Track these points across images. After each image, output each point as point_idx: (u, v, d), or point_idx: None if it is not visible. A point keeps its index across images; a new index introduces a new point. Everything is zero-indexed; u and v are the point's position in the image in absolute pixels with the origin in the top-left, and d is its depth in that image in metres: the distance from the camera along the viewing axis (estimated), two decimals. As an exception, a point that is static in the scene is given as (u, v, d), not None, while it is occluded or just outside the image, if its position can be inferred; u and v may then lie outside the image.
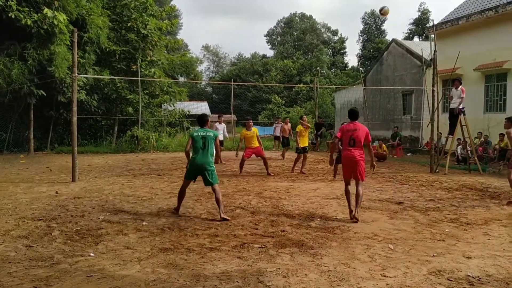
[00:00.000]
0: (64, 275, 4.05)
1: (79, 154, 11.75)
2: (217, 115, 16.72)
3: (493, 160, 14.77)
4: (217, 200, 6.49)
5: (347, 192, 6.53)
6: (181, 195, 6.77)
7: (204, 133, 6.66)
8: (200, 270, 4.18)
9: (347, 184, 6.59)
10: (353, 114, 6.72)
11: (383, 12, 13.62)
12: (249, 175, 11.72)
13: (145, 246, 5.01)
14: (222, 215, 6.34)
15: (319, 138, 23.05)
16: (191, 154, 6.72)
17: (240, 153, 12.10)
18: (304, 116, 12.79)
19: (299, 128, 11.95)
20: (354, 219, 6.24)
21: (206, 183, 6.61)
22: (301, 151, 11.97)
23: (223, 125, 15.27)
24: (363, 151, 6.56)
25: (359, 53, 59.62)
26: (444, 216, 6.72)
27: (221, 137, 13.55)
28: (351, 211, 6.35)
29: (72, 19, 15.98)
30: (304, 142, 12.08)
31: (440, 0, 72.98)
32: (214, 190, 6.57)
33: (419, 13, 52.68)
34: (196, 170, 6.58)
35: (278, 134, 22.21)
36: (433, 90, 13.26)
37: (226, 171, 12.38)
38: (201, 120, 6.94)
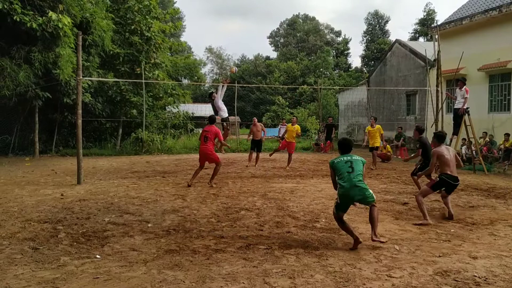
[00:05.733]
0: (70, 277, 4.07)
1: (84, 156, 11.78)
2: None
3: (498, 160, 14.71)
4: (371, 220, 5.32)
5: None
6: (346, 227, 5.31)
7: (349, 158, 5.42)
8: (206, 272, 4.19)
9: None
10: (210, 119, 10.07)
11: None
12: (253, 176, 11.73)
13: (150, 247, 5.03)
14: (374, 237, 5.21)
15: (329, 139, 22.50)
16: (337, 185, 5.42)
17: None
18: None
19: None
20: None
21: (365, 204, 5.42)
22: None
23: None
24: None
25: (362, 54, 59.56)
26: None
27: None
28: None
29: (77, 22, 16.05)
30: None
31: (447, 0, 72.82)
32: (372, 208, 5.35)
33: (425, 14, 52.62)
34: (348, 201, 5.28)
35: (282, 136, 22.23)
36: (437, 91, 13.24)
37: (231, 173, 12.39)
38: (346, 146, 5.62)
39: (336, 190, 5.40)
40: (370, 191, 5.33)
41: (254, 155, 14.11)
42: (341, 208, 5.28)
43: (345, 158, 5.43)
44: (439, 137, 6.98)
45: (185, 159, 17.04)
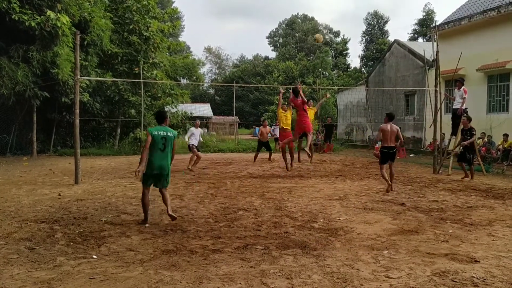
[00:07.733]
0: (66, 277, 4.05)
1: (81, 156, 11.75)
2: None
3: (496, 160, 14.72)
4: (165, 201, 6.31)
5: None
6: (145, 203, 6.23)
7: (165, 133, 6.21)
8: (203, 272, 4.17)
9: None
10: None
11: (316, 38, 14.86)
12: (251, 176, 11.71)
13: (147, 248, 5.01)
14: (170, 212, 6.21)
15: (328, 140, 22.56)
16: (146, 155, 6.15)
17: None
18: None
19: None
20: None
21: (158, 186, 6.29)
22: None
23: (199, 130, 13.67)
24: None
25: (361, 54, 59.61)
26: (447, 217, 6.69)
27: (195, 142, 13.11)
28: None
29: (75, 22, 16.03)
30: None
31: (446, 1, 72.80)
32: (162, 193, 6.33)
33: (424, 14, 52.64)
34: (153, 173, 6.16)
35: (278, 136, 22.27)
36: (435, 91, 13.23)
37: (229, 173, 12.37)
38: (160, 117, 6.48)
39: (143, 156, 6.12)
40: (170, 178, 6.38)
41: (265, 155, 14.35)
42: (146, 180, 6.19)
43: (161, 132, 6.18)
44: (390, 116, 9.23)
45: (182, 159, 16.99)
